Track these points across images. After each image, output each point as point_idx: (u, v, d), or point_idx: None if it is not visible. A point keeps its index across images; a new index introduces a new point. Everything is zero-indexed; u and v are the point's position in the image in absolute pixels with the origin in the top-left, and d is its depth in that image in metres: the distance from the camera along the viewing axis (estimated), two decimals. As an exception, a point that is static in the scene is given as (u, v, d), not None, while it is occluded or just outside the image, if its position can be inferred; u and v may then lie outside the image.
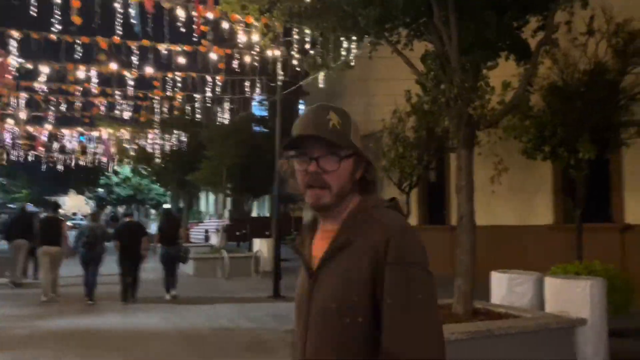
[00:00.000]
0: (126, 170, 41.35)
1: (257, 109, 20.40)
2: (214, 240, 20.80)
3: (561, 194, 10.23)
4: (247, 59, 9.68)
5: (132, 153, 17.27)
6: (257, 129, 19.68)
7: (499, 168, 7.15)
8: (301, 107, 23.00)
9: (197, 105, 12.57)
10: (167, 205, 45.03)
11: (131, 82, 10.19)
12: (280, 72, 9.56)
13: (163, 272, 10.41)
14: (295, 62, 8.65)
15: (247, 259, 14.36)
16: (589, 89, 6.96)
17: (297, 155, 1.38)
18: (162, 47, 9.07)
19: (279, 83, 9.88)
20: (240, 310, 8.96)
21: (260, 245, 15.19)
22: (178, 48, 9.11)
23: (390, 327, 1.25)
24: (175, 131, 15.99)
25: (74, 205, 74.27)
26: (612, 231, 9.13)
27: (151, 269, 11.94)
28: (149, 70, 10.07)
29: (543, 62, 6.61)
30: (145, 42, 8.94)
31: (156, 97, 11.72)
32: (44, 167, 20.51)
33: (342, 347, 1.30)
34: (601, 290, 5.26)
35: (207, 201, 44.40)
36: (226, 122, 13.70)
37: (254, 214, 23.51)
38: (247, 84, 11.01)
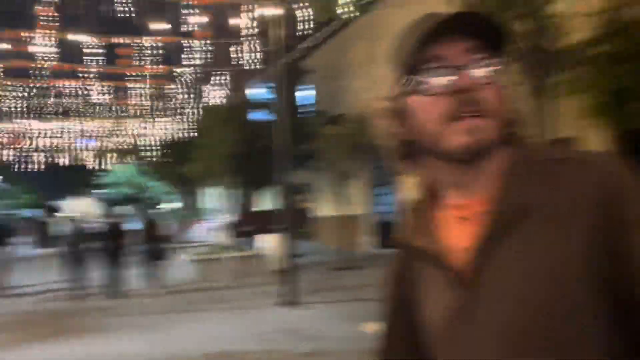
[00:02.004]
0: (125, 168, 40.00)
1: (256, 92, 18.69)
2: (218, 237, 19.25)
3: None
4: (242, 19, 7.99)
5: (115, 146, 15.60)
6: (255, 115, 17.99)
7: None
8: (303, 92, 21.36)
9: (185, 79, 10.95)
10: (169, 205, 43.69)
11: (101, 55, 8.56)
12: (282, 27, 7.82)
13: (145, 268, 11.08)
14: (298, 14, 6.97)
15: (253, 258, 12.74)
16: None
17: (430, 69, 0.81)
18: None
19: (282, 36, 8.06)
20: (244, 325, 7.35)
21: (268, 242, 13.57)
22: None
23: None
24: (162, 117, 14.34)
25: (79, 208, 73.60)
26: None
27: (134, 265, 11.56)
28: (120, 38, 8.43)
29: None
30: None
31: (135, 74, 10.08)
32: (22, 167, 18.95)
33: None
34: None
35: (210, 197, 42.92)
36: (219, 102, 12.11)
37: (256, 207, 21.84)
38: (242, 49, 9.32)
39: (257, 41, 9.53)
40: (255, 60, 9.93)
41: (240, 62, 10.42)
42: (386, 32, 10.31)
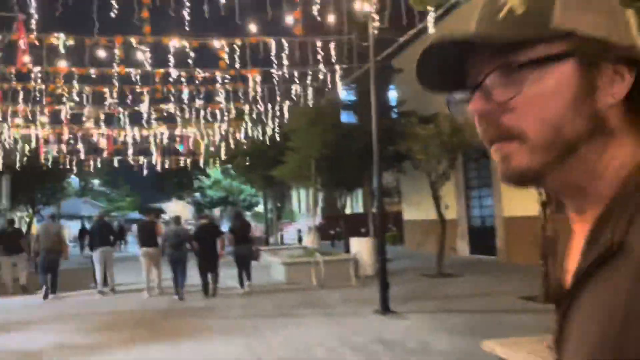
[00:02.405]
0: (217, 172, 41.49)
1: (344, 92, 18.40)
2: (306, 240, 19.17)
3: None
4: (331, 17, 7.69)
5: (211, 149, 15.87)
6: (345, 116, 17.70)
7: None
8: (392, 91, 20.80)
9: (275, 84, 10.83)
10: (259, 207, 44.72)
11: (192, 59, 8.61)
12: (375, 18, 7.40)
13: (237, 269, 11.17)
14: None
15: (344, 262, 12.40)
16: None
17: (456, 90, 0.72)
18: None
19: (374, 30, 7.63)
20: (339, 333, 7.00)
21: (359, 246, 13.20)
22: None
23: None
24: (250, 122, 14.38)
25: (176, 210, 77.79)
26: None
27: (227, 266, 11.99)
28: (213, 41, 8.43)
29: None
30: None
31: (225, 77, 10.10)
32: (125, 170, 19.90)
33: None
34: None
35: (298, 199, 43.38)
36: (309, 104, 11.90)
37: (344, 210, 21.55)
38: (331, 47, 9.01)
39: (347, 39, 9.18)
40: (345, 59, 9.57)
41: (329, 61, 10.11)
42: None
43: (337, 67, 11.06)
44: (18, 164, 17.15)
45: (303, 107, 12.95)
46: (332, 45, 9.71)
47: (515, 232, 13.83)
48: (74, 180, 49.99)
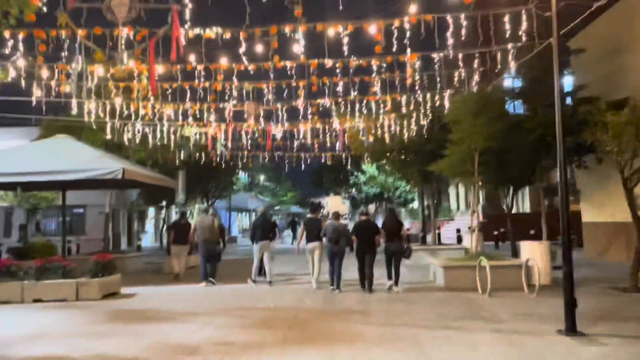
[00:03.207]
0: (372, 168, 41.25)
1: (510, 79, 16.55)
2: (467, 241, 17.74)
3: None
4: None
5: (366, 144, 15.34)
6: (512, 105, 15.93)
7: None
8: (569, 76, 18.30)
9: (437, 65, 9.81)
10: (414, 204, 43.54)
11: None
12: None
13: (386, 266, 11.32)
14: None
15: (515, 268, 10.98)
16: None
17: None
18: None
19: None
20: (518, 356, 5.89)
21: (531, 250, 11.61)
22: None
23: None
24: (407, 114, 13.46)
25: (334, 205, 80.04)
26: None
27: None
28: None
29: None
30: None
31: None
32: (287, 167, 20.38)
33: None
34: None
35: (456, 196, 41.29)
36: (474, 91, 10.67)
37: (510, 209, 19.44)
38: (498, 29, 7.79)
39: (524, 10, 7.89)
40: (517, 38, 8.29)
41: (498, 41, 8.85)
42: None
43: (509, 46, 9.71)
44: (191, 160, 18.53)
45: (467, 94, 11.74)
46: (503, 21, 8.43)
47: None
48: (242, 176, 53.92)
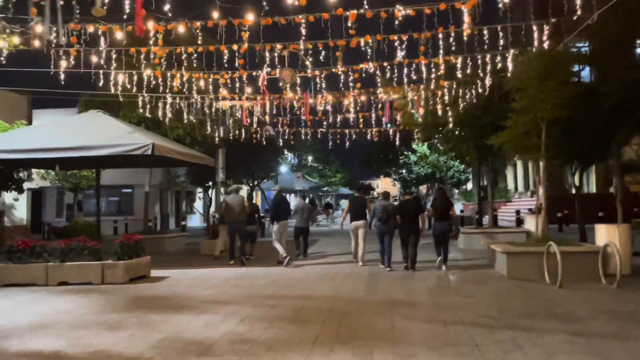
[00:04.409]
0: (424, 147, 39.40)
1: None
2: (529, 224, 16.10)
3: None
4: None
5: (419, 120, 13.84)
6: (584, 70, 14.04)
7: None
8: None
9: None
10: (469, 185, 41.49)
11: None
12: None
13: (435, 245, 11.51)
14: None
15: (590, 255, 9.48)
16: None
17: None
18: None
19: None
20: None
21: (608, 234, 10.04)
22: None
23: None
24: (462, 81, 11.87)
25: (385, 187, 78.56)
26: None
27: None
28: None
29: None
30: None
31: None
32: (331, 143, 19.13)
33: None
34: None
35: (514, 176, 38.96)
36: (537, 54, 9.10)
37: (579, 189, 17.43)
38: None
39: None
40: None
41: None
42: None
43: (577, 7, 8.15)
44: (231, 137, 17.64)
45: (534, 54, 10.14)
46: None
47: None
48: (290, 157, 53.21)
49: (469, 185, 42.50)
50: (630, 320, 6.37)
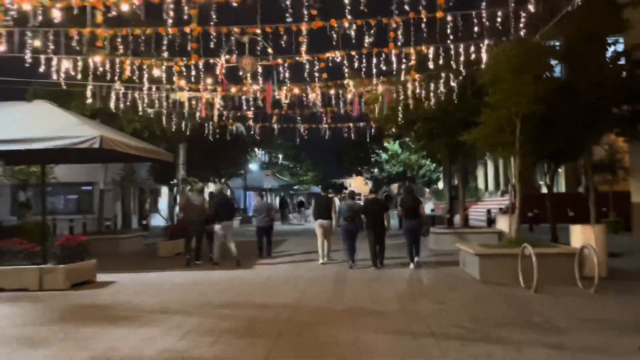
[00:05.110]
0: (395, 146, 39.00)
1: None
2: (501, 224, 15.69)
3: None
4: None
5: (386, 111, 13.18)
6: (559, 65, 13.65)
7: None
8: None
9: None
10: (440, 185, 41.35)
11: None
12: None
13: (406, 244, 11.53)
14: None
15: (565, 257, 8.99)
16: None
17: None
18: None
19: None
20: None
21: (583, 235, 9.59)
22: None
23: None
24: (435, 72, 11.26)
25: (356, 186, 78.07)
26: None
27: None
28: None
29: None
30: None
31: None
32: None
33: None
34: None
35: (484, 176, 38.89)
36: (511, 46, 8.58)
37: (550, 188, 17.11)
38: None
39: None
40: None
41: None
42: None
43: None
44: (191, 131, 16.69)
45: (509, 46, 9.63)
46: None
47: None
48: (259, 154, 52.09)
49: (440, 185, 42.35)
50: (614, 329, 5.84)
